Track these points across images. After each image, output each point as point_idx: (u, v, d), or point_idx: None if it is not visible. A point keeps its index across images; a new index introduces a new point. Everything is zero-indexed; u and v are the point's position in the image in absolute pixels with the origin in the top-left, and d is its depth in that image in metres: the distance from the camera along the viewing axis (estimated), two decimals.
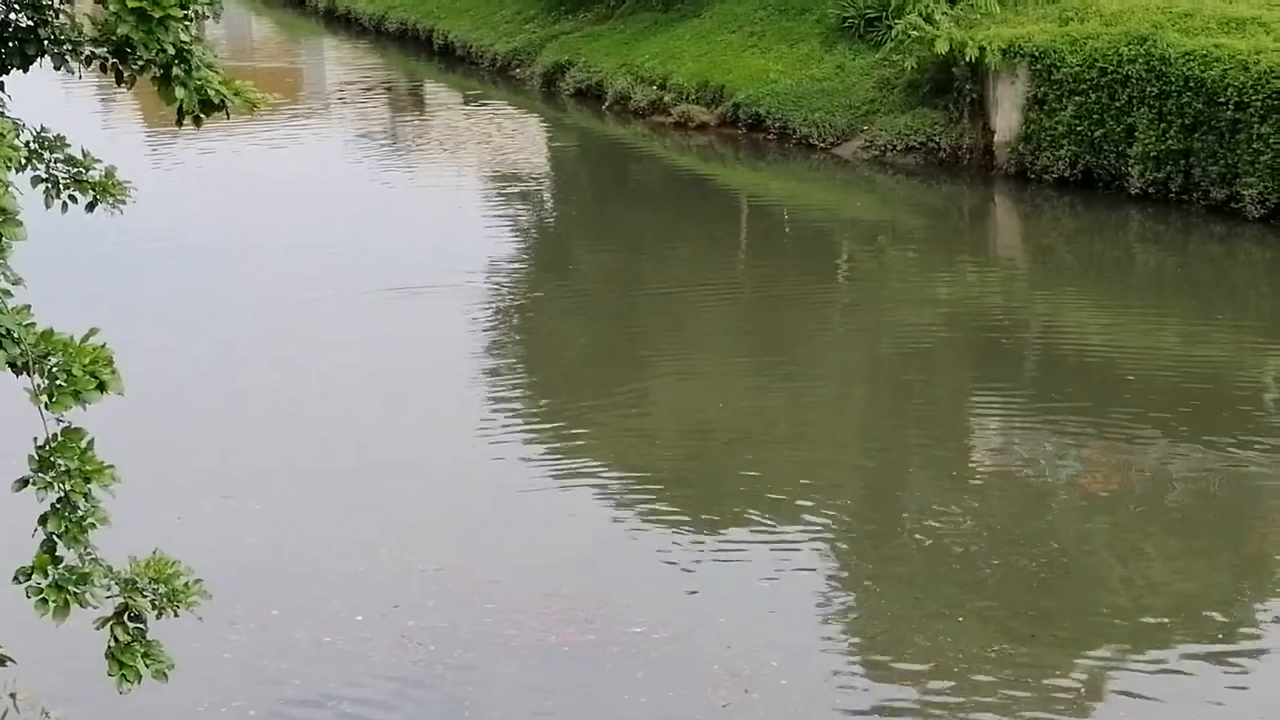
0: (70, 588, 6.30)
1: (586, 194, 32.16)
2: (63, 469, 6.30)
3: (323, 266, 23.89)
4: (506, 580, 13.39)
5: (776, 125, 31.98)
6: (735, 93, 33.29)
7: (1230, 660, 12.06)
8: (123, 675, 6.50)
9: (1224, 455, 15.88)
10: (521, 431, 17.12)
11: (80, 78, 7.18)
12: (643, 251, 25.96)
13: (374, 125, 38.32)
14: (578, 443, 16.92)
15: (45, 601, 6.29)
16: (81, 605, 6.35)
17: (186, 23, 6.69)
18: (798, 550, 14.09)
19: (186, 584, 6.59)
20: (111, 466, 6.36)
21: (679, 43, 36.54)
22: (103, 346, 6.27)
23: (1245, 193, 24.48)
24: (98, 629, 6.53)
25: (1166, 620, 12.74)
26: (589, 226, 28.64)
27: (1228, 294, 22.82)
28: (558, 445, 16.81)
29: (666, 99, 34.86)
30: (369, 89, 43.43)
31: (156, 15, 6.55)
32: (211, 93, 6.79)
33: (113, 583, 6.48)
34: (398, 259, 24.28)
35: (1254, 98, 24.15)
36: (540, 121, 38.16)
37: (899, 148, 29.77)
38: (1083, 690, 11.71)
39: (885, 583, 13.76)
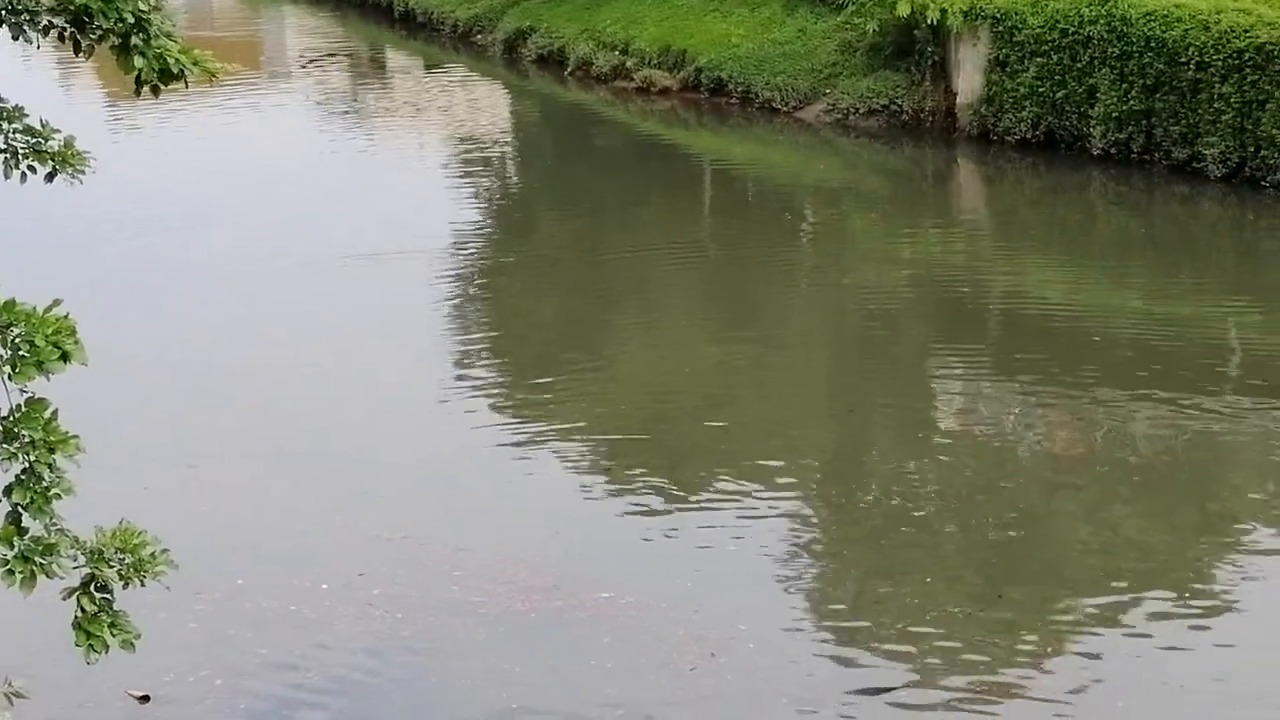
0: (36, 559, 6.30)
1: (550, 160, 32.11)
2: (27, 440, 6.29)
3: (284, 234, 23.83)
4: (473, 547, 13.39)
5: (739, 89, 31.98)
6: (697, 57, 33.25)
7: (1196, 619, 12.12)
8: (90, 645, 6.50)
9: (1188, 413, 15.95)
10: (487, 397, 17.11)
11: (39, 48, 7.14)
12: (607, 216, 25.95)
13: (336, 93, 38.20)
14: (544, 408, 16.92)
15: (12, 573, 6.29)
16: (48, 576, 6.35)
17: None
18: (765, 513, 14.11)
19: (153, 554, 6.59)
20: (76, 437, 6.36)
21: (640, 8, 36.46)
22: (65, 317, 6.27)
23: (1207, 152, 24.58)
24: (64, 599, 6.53)
25: (1132, 579, 12.79)
26: (553, 192, 28.60)
27: (1190, 253, 22.92)
28: (523, 411, 16.81)
29: (628, 64, 34.80)
30: (330, 57, 43.27)
31: None
32: (170, 62, 6.76)
33: (79, 553, 6.48)
34: (361, 226, 24.23)
35: (1215, 57, 24.22)
36: (502, 88, 38.08)
37: (861, 111, 29.78)
38: (1049, 650, 11.76)
39: (852, 545, 13.80)
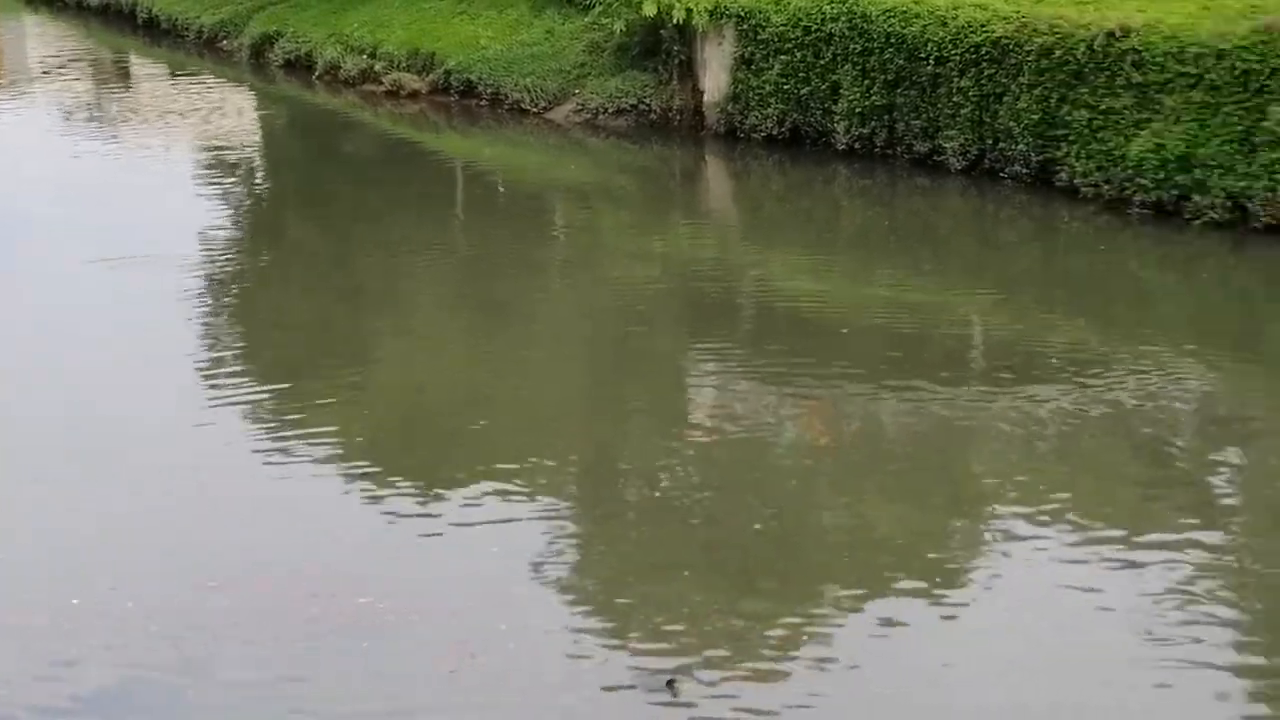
0: None
1: (299, 164, 31.84)
2: None
3: (29, 240, 23.38)
4: (227, 556, 13.22)
5: (488, 91, 32.02)
6: (446, 60, 33.24)
7: (948, 603, 12.34)
8: None
9: (936, 399, 16.29)
10: (239, 403, 16.89)
11: None
12: (358, 219, 25.78)
13: (79, 100, 37.51)
14: (298, 413, 16.74)
15: None
16: None
17: None
18: (523, 514, 14.13)
19: None
20: None
21: (388, 11, 36.36)
22: None
23: (947, 145, 25.15)
24: None
25: (885, 566, 13.01)
26: (303, 196, 28.37)
27: (933, 244, 23.40)
28: (277, 416, 16.63)
29: (377, 67, 34.70)
30: (73, 64, 42.46)
31: None
32: None
33: None
34: (107, 232, 23.86)
35: (953, 52, 24.78)
36: (250, 93, 37.71)
37: (610, 110, 29.99)
38: (805, 639, 11.92)
39: (609, 541, 13.87)
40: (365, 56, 35.14)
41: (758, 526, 13.75)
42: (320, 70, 36.14)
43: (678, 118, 29.44)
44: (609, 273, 22.21)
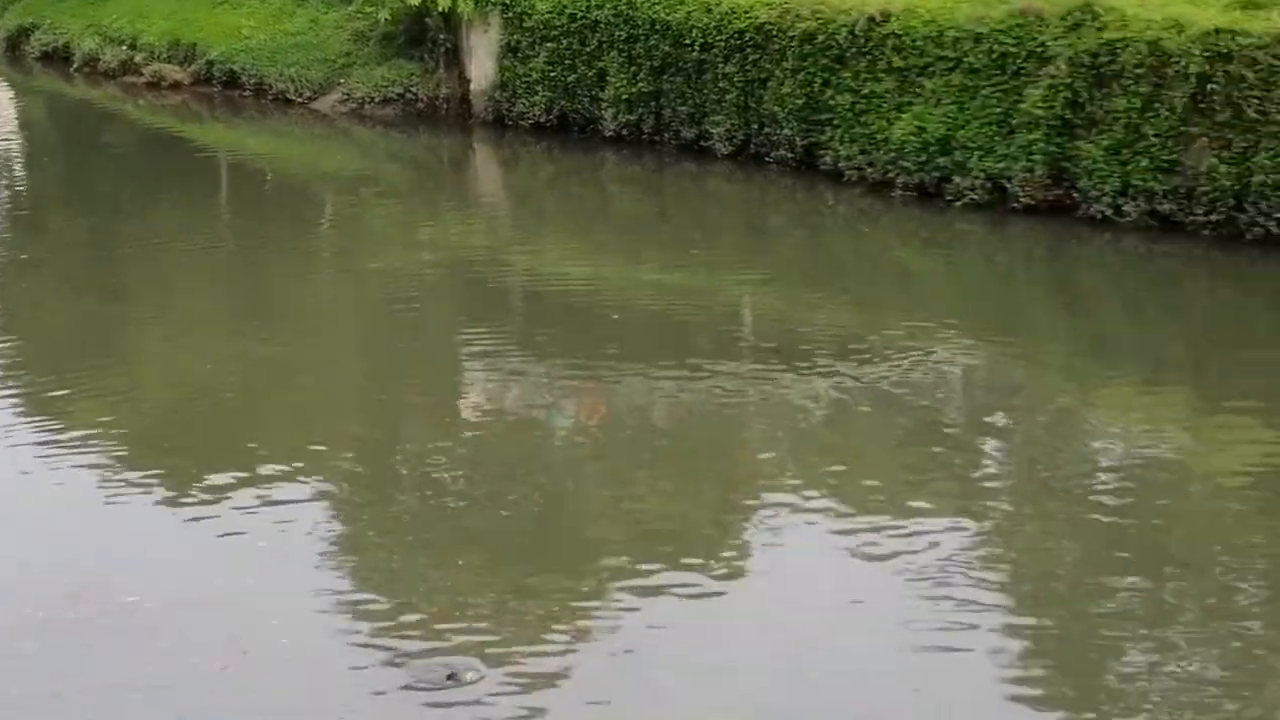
0: None
1: (59, 158, 31.22)
2: None
3: None
4: None
5: (252, 81, 31.70)
6: (208, 50, 32.86)
7: (727, 581, 12.40)
8: None
9: (707, 380, 16.39)
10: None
11: None
12: (121, 214, 25.34)
13: None
14: (60, 411, 16.37)
15: None
16: None
17: None
18: (294, 507, 13.93)
19: None
20: None
21: (147, 1, 35.79)
22: None
23: (713, 131, 25.35)
24: None
25: (662, 549, 13.03)
26: (62, 191, 27.81)
27: (701, 228, 23.57)
28: (38, 415, 16.25)
29: (138, 59, 34.20)
30: None
31: None
32: None
33: None
34: None
35: (717, 38, 24.98)
36: (5, 85, 36.86)
37: (377, 100, 29.86)
38: (582, 626, 11.90)
39: (384, 534, 13.73)
40: (125, 48, 34.58)
41: (533, 514, 13.73)
42: (79, 62, 35.52)
43: (445, 106, 29.36)
44: (380, 263, 22.05)
